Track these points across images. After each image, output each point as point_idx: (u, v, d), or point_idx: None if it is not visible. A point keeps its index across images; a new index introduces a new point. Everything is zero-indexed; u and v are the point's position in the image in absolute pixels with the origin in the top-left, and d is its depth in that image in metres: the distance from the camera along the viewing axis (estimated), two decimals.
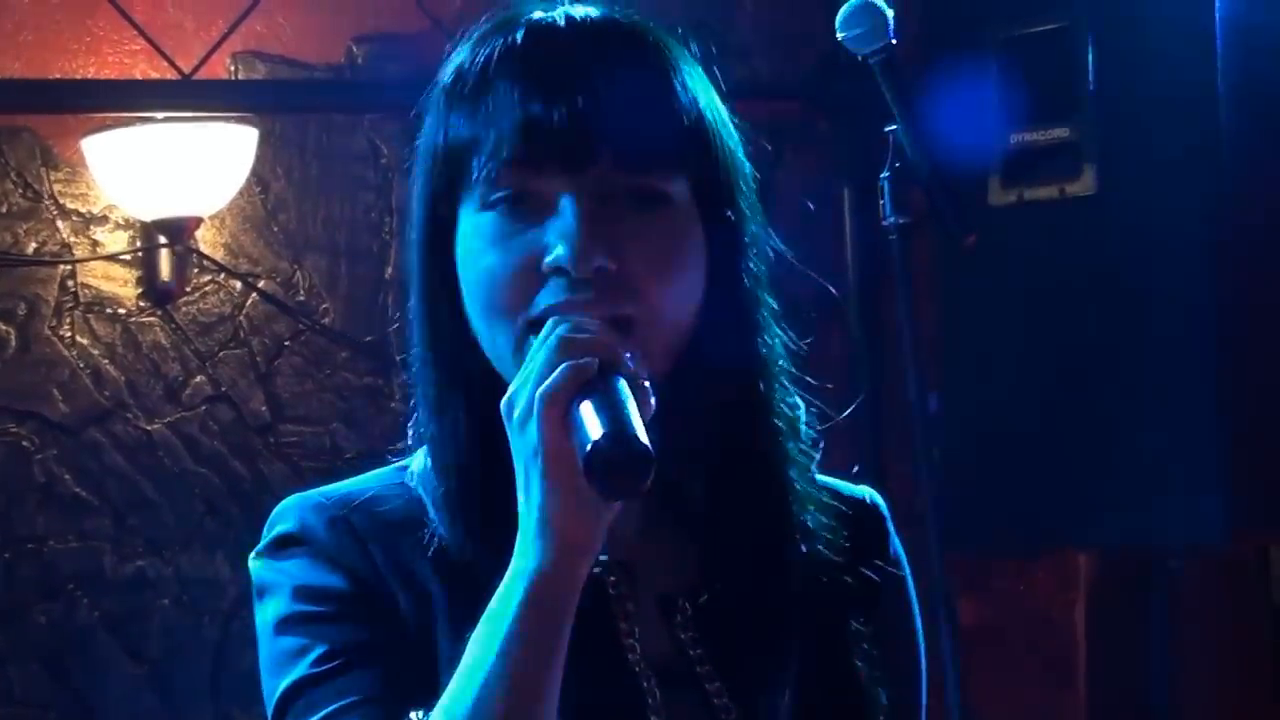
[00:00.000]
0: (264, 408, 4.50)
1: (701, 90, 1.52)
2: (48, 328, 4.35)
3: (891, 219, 3.29)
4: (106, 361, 4.39)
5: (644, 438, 1.34)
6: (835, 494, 1.60)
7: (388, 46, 4.57)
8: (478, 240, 1.50)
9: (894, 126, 3.23)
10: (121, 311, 4.41)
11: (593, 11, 1.53)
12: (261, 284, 4.51)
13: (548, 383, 1.37)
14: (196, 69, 4.25)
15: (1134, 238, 3.92)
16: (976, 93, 3.96)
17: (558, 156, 1.45)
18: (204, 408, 4.46)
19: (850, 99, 4.35)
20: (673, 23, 1.54)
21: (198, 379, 4.46)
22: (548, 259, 1.45)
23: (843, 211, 4.55)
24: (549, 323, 1.43)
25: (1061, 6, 3.99)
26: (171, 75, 4.25)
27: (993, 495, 3.98)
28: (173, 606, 4.39)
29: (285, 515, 1.58)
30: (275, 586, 1.55)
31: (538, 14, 1.53)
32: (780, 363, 1.55)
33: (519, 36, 1.50)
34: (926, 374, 3.45)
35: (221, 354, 4.48)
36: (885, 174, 3.25)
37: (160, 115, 4.21)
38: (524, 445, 1.39)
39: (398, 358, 1.61)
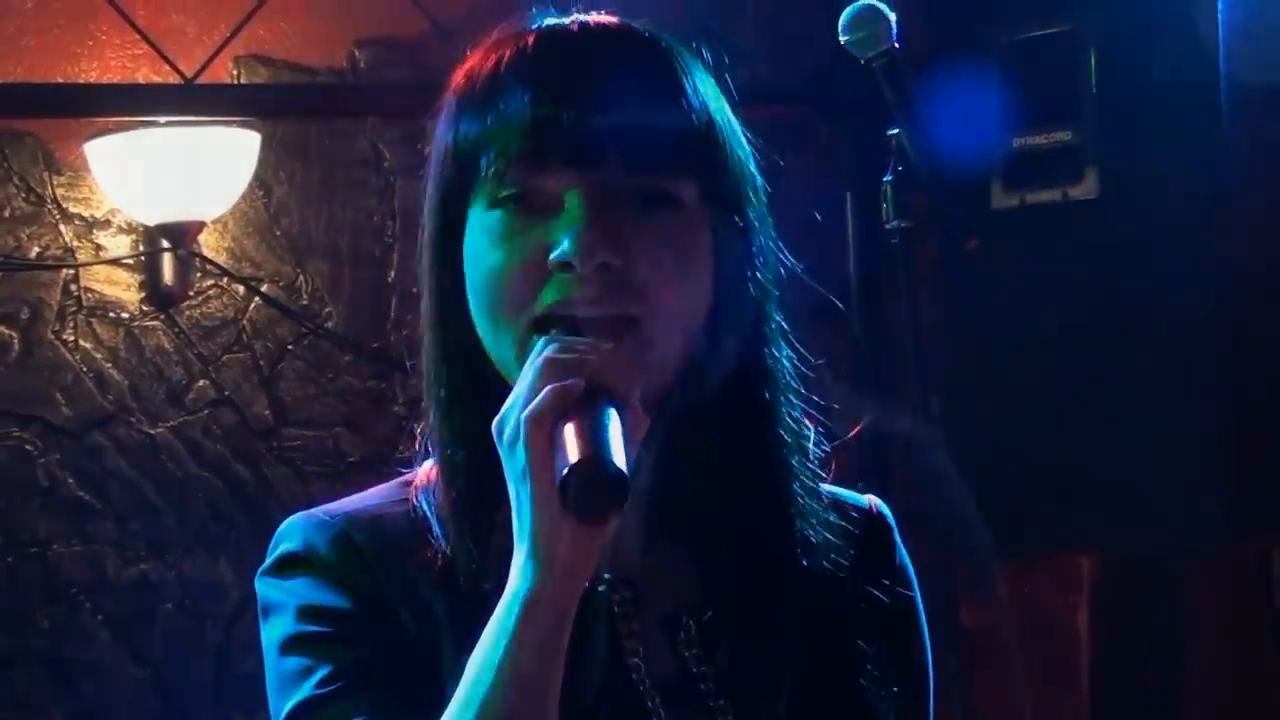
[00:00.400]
0: (267, 412, 4.50)
1: (712, 97, 1.53)
2: (50, 332, 4.35)
3: (894, 222, 3.29)
4: (109, 365, 4.39)
5: (619, 461, 1.33)
6: (840, 504, 1.59)
7: (390, 50, 4.58)
8: (484, 238, 1.50)
9: (896, 130, 3.23)
10: (124, 315, 4.41)
11: (605, 19, 1.53)
12: (264, 288, 4.51)
13: (532, 406, 1.38)
14: (199, 73, 4.25)
15: (1136, 241, 3.92)
16: (978, 96, 3.96)
17: (566, 155, 1.46)
18: (207, 412, 4.46)
19: (852, 103, 4.35)
20: (680, 29, 1.54)
21: (200, 383, 4.46)
22: (553, 254, 1.45)
23: (845, 215, 4.55)
24: (540, 342, 1.43)
25: (1063, 10, 3.99)
26: (174, 79, 4.25)
27: (995, 499, 3.98)
28: (175, 610, 4.39)
29: (289, 534, 1.58)
30: (280, 606, 1.55)
31: (550, 20, 1.53)
32: (786, 377, 1.54)
33: (531, 41, 1.50)
34: (929, 377, 3.46)
35: (224, 358, 4.48)
36: (887, 178, 3.25)
37: (163, 119, 4.21)
38: (513, 467, 1.39)
39: (408, 363, 1.61)
